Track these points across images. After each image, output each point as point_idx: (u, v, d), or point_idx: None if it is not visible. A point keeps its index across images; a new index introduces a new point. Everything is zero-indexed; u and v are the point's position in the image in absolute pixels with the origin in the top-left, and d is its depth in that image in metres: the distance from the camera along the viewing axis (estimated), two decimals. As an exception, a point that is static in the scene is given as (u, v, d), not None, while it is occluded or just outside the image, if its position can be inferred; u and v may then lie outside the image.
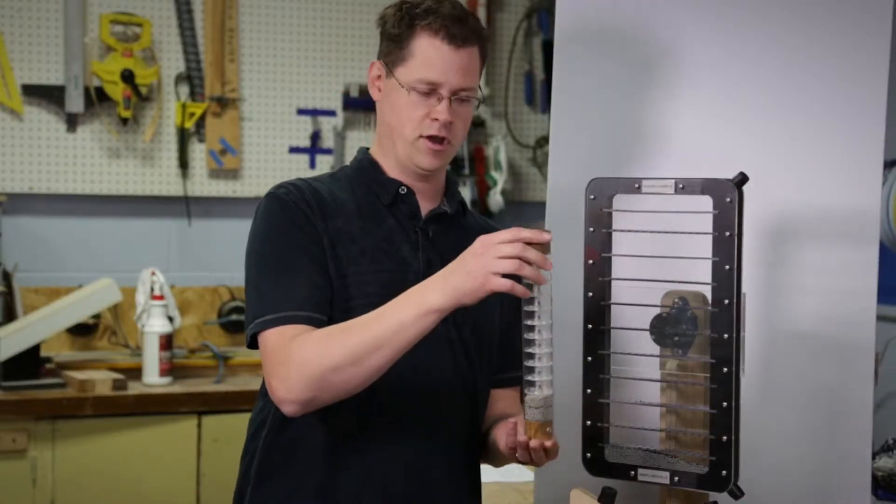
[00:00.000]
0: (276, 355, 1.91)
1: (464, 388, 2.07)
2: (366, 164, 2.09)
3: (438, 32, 1.98)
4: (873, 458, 2.47)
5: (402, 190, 2.06)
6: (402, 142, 2.02)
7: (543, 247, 1.81)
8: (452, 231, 2.09)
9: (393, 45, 2.02)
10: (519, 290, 1.79)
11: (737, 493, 1.84)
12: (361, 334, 1.85)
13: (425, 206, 2.08)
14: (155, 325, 3.88)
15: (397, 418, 2.01)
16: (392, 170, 2.07)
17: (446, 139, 2.01)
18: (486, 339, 2.10)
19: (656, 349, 1.91)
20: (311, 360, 1.87)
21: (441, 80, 1.99)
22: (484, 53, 2.05)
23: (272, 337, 1.93)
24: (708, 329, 1.85)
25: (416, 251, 2.04)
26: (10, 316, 3.99)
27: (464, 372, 2.06)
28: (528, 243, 1.79)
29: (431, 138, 2.01)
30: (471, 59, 2.01)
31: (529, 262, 1.78)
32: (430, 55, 1.99)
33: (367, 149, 2.13)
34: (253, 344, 1.97)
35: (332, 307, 1.97)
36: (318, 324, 1.93)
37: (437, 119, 1.99)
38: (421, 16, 1.99)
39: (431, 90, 1.99)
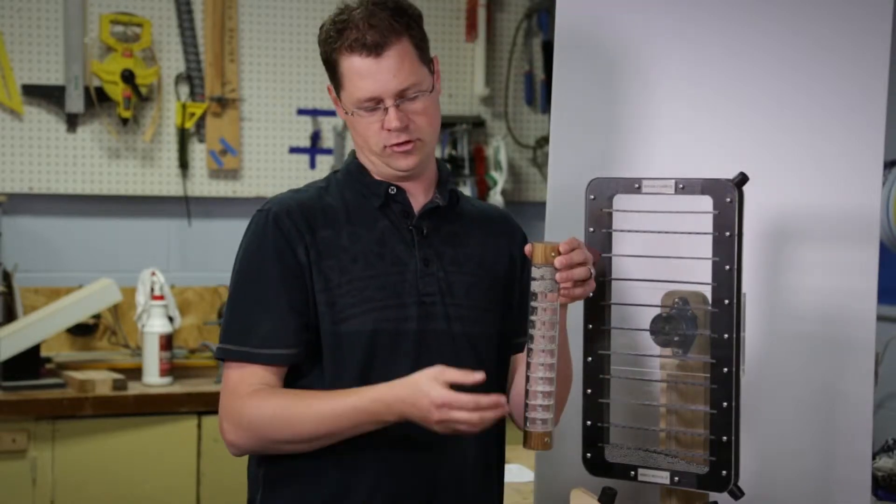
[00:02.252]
0: (233, 401, 1.98)
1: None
2: (353, 169, 2.08)
3: (355, 49, 1.95)
4: (873, 458, 2.47)
5: (392, 190, 2.05)
6: (373, 155, 2.03)
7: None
8: (448, 223, 2.08)
9: (329, 71, 2.02)
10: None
11: (737, 493, 1.84)
12: (316, 424, 1.94)
13: (418, 202, 2.07)
14: (155, 325, 3.88)
15: (405, 422, 1.98)
16: (379, 172, 2.06)
17: (410, 140, 1.99)
18: (490, 327, 2.07)
19: (656, 349, 1.91)
20: (263, 426, 1.95)
21: (377, 92, 1.96)
22: (417, 37, 1.99)
23: (234, 375, 2.00)
24: (708, 329, 1.85)
25: (412, 249, 2.03)
26: (10, 316, 3.99)
27: (468, 365, 2.00)
28: None
29: (396, 144, 1.99)
30: (401, 57, 1.96)
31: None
32: (358, 73, 1.96)
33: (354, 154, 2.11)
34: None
35: (323, 321, 1.98)
36: (281, 360, 1.99)
37: (390, 129, 1.97)
38: (336, 37, 1.97)
39: (375, 105, 1.97)
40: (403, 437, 1.97)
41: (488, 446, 2.09)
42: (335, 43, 1.97)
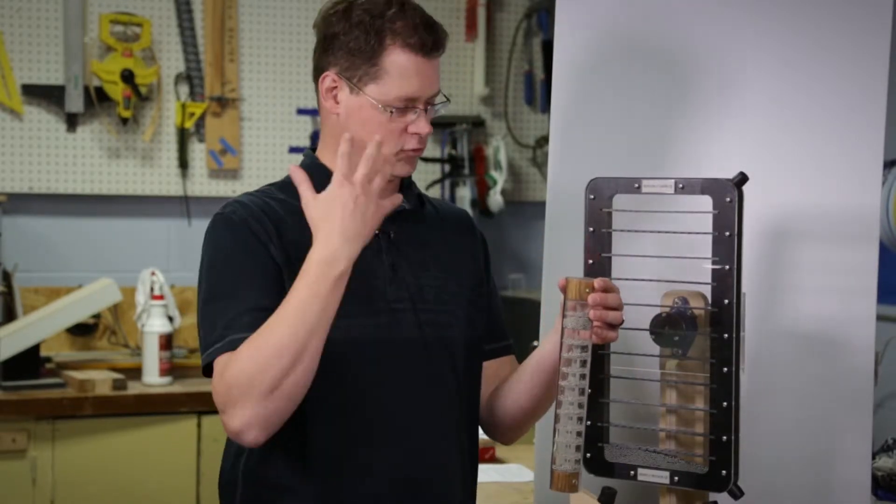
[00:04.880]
0: (219, 387, 1.82)
1: (444, 384, 2.00)
2: (315, 171, 1.96)
3: (413, 45, 1.90)
4: (873, 458, 2.47)
5: None
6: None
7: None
8: (413, 225, 2.03)
9: (358, 59, 1.91)
10: (398, 199, 1.86)
11: (737, 493, 1.84)
12: (293, 330, 1.78)
13: None
14: (155, 324, 3.88)
15: (381, 431, 1.95)
16: None
17: (421, 147, 1.96)
18: (460, 332, 2.03)
19: (656, 349, 1.91)
20: (248, 374, 1.78)
21: (419, 94, 1.92)
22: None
23: (217, 366, 1.85)
24: (708, 329, 1.85)
25: (380, 255, 1.97)
26: (10, 316, 3.99)
27: (442, 367, 2.00)
28: None
29: (412, 150, 1.95)
30: (438, 64, 1.95)
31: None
32: (407, 71, 1.90)
33: (314, 150, 2.04)
34: (208, 371, 1.89)
35: None
36: None
37: (417, 133, 1.93)
38: (390, 28, 1.90)
39: (407, 105, 1.92)
40: (378, 448, 1.94)
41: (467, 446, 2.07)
42: (390, 34, 1.90)
